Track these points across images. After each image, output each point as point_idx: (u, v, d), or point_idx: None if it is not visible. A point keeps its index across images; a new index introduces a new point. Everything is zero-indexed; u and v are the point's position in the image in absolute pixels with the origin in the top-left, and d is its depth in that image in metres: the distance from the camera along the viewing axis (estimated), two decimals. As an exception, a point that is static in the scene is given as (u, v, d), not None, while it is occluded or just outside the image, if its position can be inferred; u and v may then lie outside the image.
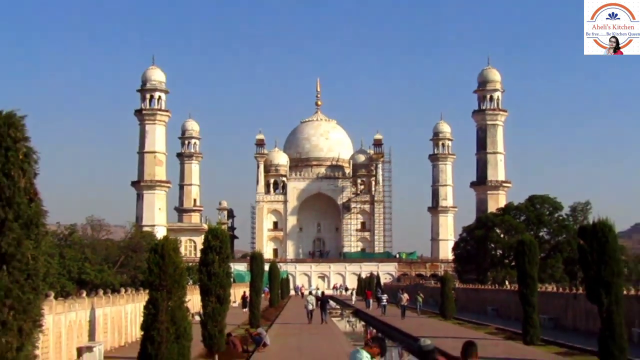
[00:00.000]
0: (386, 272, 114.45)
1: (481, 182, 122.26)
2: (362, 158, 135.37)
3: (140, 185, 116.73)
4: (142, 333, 11.63)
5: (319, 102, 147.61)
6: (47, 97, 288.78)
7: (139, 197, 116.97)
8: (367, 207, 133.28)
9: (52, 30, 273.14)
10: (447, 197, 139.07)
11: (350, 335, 36.83)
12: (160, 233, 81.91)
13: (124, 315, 26.70)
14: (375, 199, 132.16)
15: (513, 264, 47.63)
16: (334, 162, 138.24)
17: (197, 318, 23.26)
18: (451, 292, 44.80)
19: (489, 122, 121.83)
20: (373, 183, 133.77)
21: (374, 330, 40.52)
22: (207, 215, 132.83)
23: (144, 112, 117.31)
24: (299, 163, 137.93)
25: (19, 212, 5.50)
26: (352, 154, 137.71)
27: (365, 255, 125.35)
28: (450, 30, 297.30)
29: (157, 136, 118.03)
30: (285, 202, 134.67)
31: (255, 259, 39.21)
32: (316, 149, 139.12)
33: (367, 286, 77.80)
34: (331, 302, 60.07)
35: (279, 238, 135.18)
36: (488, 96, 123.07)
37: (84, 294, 23.50)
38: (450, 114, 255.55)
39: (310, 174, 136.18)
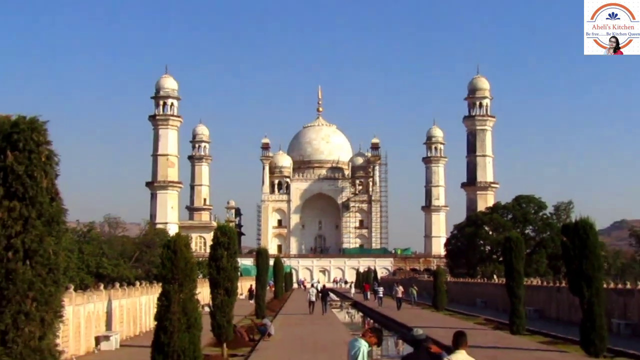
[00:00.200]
0: (382, 266, 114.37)
1: (471, 183, 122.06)
2: (360, 160, 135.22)
3: (154, 185, 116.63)
4: (155, 323, 11.61)
5: (320, 109, 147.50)
6: (69, 105, 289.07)
7: (153, 197, 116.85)
8: (364, 206, 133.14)
9: (76, 45, 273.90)
10: (440, 197, 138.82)
11: (349, 326, 36.76)
12: (173, 230, 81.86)
13: (138, 306, 26.71)
14: (373, 198, 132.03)
15: (501, 259, 47.52)
16: (334, 165, 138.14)
17: (207, 309, 23.25)
18: (443, 286, 44.70)
19: (478, 127, 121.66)
20: (370, 184, 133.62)
21: (372, 321, 40.47)
22: (216, 214, 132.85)
23: (157, 117, 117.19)
24: (302, 165, 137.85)
25: (42, 210, 5.50)
26: (351, 157, 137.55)
27: (363, 251, 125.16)
28: (443, 43, 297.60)
29: (170, 140, 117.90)
30: (288, 201, 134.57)
31: (260, 255, 39.20)
32: (317, 152, 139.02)
33: (365, 280, 77.94)
34: (331, 295, 60.03)
35: (283, 235, 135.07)
36: (477, 103, 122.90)
37: (102, 287, 23.50)
38: (443, 120, 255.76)
39: (312, 175, 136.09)
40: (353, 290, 74.58)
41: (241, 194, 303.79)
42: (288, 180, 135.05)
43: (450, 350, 8.02)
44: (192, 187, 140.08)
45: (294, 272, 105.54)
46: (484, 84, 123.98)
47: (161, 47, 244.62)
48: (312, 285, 60.20)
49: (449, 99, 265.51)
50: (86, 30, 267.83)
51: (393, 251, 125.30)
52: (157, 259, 21.98)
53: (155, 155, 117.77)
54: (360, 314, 49.72)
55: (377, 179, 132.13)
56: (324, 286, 64.44)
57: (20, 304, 5.32)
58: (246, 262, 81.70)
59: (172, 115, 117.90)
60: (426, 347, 8.46)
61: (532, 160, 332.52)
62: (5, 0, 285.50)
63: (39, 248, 5.42)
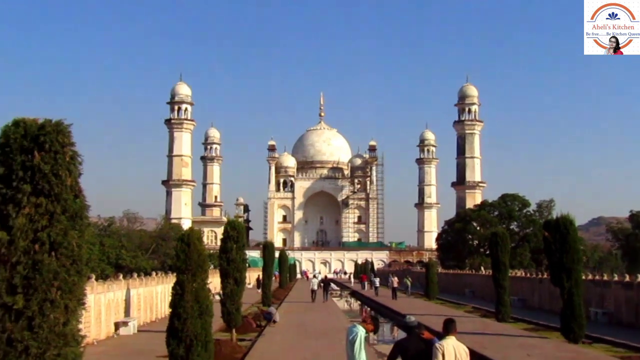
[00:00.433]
0: (379, 259, 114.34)
1: (460, 182, 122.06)
2: (358, 161, 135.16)
3: (169, 184, 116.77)
4: (170, 310, 11.60)
5: (322, 114, 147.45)
6: (91, 109, 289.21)
7: (168, 194, 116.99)
8: (362, 203, 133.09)
9: (99, 56, 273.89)
10: (432, 195, 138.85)
11: (348, 313, 36.73)
12: (186, 225, 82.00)
13: (154, 294, 26.72)
14: (370, 196, 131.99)
15: (488, 252, 47.49)
16: (334, 165, 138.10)
17: (218, 297, 23.23)
18: (434, 277, 44.65)
19: (467, 131, 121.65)
20: (368, 183, 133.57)
21: (369, 309, 40.42)
22: (226, 210, 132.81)
23: (172, 121, 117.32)
24: (305, 165, 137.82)
25: (66, 206, 5.51)
26: (350, 158, 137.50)
27: (361, 245, 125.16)
28: (435, 54, 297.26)
29: (184, 142, 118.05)
30: (292, 198, 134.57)
31: (267, 247, 39.17)
32: (319, 154, 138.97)
33: (363, 271, 77.86)
34: (332, 285, 60.00)
35: (287, 229, 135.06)
36: (467, 109, 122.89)
37: (121, 277, 23.52)
38: (435, 124, 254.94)
39: (314, 174, 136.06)
40: (352, 280, 74.53)
41: (249, 191, 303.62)
42: (292, 179, 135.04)
43: (440, 336, 8.01)
44: (204, 185, 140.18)
45: (297, 263, 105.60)
46: (472, 91, 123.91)
47: (176, 56, 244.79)
48: (314, 276, 60.18)
49: (441, 105, 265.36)
50: (109, 43, 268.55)
51: (389, 245, 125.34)
52: (172, 251, 21.96)
53: (170, 156, 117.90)
54: (358, 302, 49.69)
55: (374, 178, 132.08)
56: (325, 277, 64.43)
57: (46, 293, 5.33)
58: (254, 254, 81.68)
59: (186, 119, 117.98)
60: (418, 333, 8.45)
61: (517, 161, 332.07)
62: (31, 8, 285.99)
63: (63, 241, 5.43)
